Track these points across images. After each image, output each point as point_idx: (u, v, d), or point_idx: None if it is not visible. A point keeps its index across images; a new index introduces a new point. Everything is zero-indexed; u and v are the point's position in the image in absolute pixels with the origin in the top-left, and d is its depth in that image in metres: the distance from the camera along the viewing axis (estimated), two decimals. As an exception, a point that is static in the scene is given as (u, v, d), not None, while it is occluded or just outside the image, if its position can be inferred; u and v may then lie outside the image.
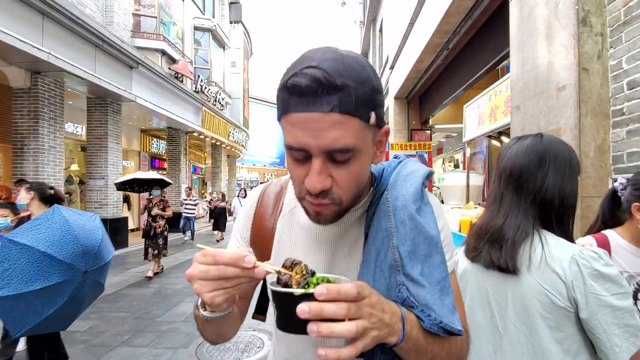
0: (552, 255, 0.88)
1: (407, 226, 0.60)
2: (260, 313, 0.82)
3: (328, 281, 0.48)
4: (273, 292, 0.48)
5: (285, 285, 0.48)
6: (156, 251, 6.14)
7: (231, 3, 17.67)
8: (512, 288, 0.93)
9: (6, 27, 5.28)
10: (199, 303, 0.58)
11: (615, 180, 1.43)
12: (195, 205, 10.28)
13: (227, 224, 11.26)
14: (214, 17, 15.36)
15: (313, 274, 0.49)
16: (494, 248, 0.97)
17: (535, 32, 2.37)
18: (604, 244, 1.34)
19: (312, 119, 0.50)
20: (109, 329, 3.78)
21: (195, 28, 13.60)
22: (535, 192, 0.95)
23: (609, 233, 1.36)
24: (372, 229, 0.63)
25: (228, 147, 17.10)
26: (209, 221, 12.91)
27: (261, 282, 0.77)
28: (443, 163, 10.58)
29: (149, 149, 13.63)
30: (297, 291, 0.45)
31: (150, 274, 6.08)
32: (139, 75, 8.98)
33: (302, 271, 0.48)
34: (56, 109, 7.08)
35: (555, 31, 2.17)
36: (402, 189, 0.63)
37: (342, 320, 0.44)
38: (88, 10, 7.99)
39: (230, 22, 17.64)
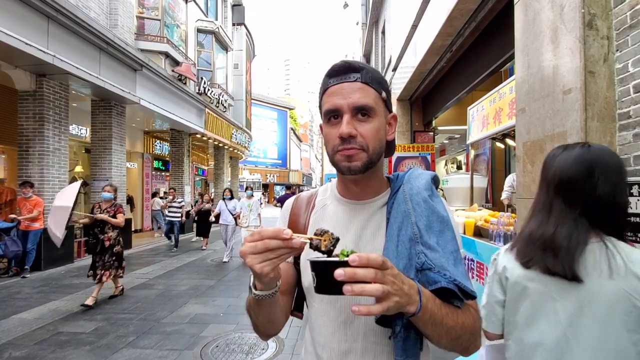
0: (631, 260, 0.91)
1: (422, 207, 0.75)
2: (297, 310, 0.91)
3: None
4: (314, 262, 0.58)
5: (317, 248, 0.60)
6: (106, 271, 4.61)
7: (234, 5, 17.72)
8: (587, 294, 0.93)
9: (12, 30, 5.33)
10: (251, 283, 0.69)
11: None
12: (180, 208, 9.40)
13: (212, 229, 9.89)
14: (216, 19, 15.42)
15: (337, 240, 0.61)
16: (547, 256, 0.97)
17: (540, 35, 2.37)
18: None
19: (343, 87, 0.74)
20: (114, 331, 3.80)
21: (199, 30, 13.65)
22: (585, 202, 0.96)
23: None
24: (392, 213, 0.77)
25: (230, 149, 17.14)
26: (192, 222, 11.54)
27: (297, 284, 0.89)
28: (446, 164, 10.58)
29: (152, 151, 13.68)
30: (335, 259, 0.56)
31: (89, 301, 4.51)
32: (143, 78, 9.03)
33: (329, 238, 0.61)
34: (61, 111, 7.13)
35: (560, 34, 2.17)
36: (416, 182, 0.80)
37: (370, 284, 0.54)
38: (92, 13, 8.05)
39: (233, 25, 17.68)
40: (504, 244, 2.81)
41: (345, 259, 0.54)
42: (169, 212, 9.35)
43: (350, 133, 0.71)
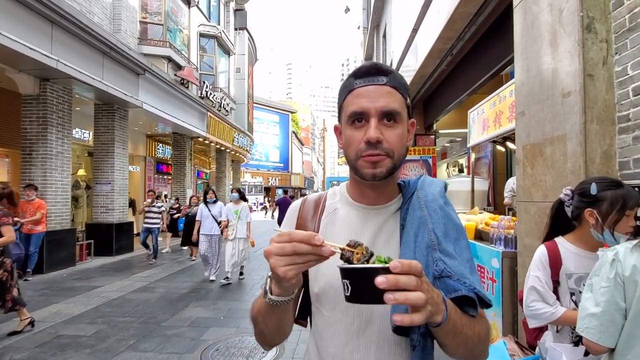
0: None
1: (438, 214, 0.74)
2: (301, 318, 0.87)
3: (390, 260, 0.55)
4: (349, 269, 0.53)
5: (348, 260, 0.56)
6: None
7: (236, 10, 17.85)
8: None
9: (16, 35, 5.39)
10: (267, 287, 0.66)
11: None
12: (160, 213, 8.17)
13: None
14: (219, 24, 15.52)
15: (372, 254, 0.57)
16: None
17: (539, 39, 2.38)
18: (554, 250, 1.44)
19: (371, 89, 0.71)
20: (114, 334, 3.80)
21: (201, 35, 13.75)
22: None
23: (558, 240, 1.47)
24: (408, 219, 0.75)
25: (232, 152, 17.18)
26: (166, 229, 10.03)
27: (302, 290, 0.85)
28: (447, 168, 10.56)
29: (155, 154, 13.74)
30: (376, 265, 0.52)
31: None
32: (146, 82, 9.09)
33: (363, 251, 0.57)
34: (64, 115, 7.19)
35: (559, 38, 2.17)
36: (429, 189, 0.79)
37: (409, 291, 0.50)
38: (96, 18, 8.13)
39: (235, 29, 17.80)
40: (504, 247, 2.79)
41: (387, 265, 0.50)
42: (146, 217, 8.07)
43: (378, 138, 0.69)
